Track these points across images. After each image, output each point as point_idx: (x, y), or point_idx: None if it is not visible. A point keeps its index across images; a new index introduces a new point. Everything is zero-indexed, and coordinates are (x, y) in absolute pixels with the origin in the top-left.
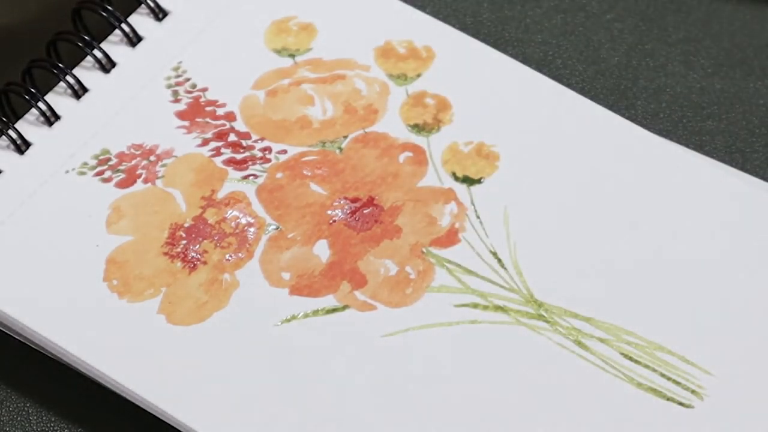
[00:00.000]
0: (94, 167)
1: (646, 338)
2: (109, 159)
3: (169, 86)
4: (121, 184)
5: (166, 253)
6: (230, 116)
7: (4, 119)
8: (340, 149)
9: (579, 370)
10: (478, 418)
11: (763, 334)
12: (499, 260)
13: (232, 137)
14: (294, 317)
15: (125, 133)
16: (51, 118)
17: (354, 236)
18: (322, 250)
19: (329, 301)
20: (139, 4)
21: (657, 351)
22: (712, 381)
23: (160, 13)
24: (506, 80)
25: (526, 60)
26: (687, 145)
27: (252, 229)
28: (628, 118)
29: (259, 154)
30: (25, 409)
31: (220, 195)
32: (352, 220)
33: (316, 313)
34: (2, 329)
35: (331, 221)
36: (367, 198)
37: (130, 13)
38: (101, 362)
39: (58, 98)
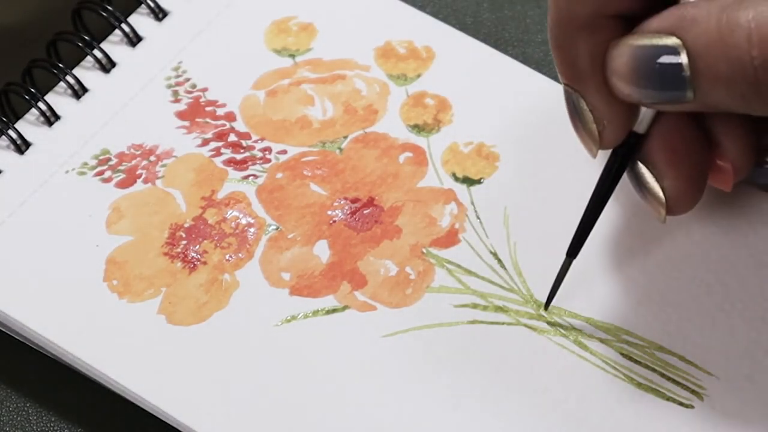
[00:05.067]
0: (94, 167)
1: (646, 338)
2: (109, 159)
3: (169, 86)
4: (121, 184)
5: (166, 254)
6: (230, 116)
7: (4, 119)
8: (340, 149)
9: (579, 370)
10: (478, 418)
11: (763, 333)
12: (499, 260)
13: (232, 137)
14: (294, 317)
15: (125, 133)
16: (51, 118)
17: (354, 236)
18: (322, 251)
19: (329, 301)
20: (139, 4)
21: (657, 351)
22: (712, 381)
23: (160, 13)
24: (506, 80)
25: (526, 60)
26: None
27: (252, 230)
28: None
29: (259, 155)
30: (25, 409)
31: (220, 195)
32: (352, 221)
33: (316, 313)
34: (2, 329)
35: (331, 221)
36: (367, 198)
37: (130, 13)
38: (101, 362)
39: (58, 98)
